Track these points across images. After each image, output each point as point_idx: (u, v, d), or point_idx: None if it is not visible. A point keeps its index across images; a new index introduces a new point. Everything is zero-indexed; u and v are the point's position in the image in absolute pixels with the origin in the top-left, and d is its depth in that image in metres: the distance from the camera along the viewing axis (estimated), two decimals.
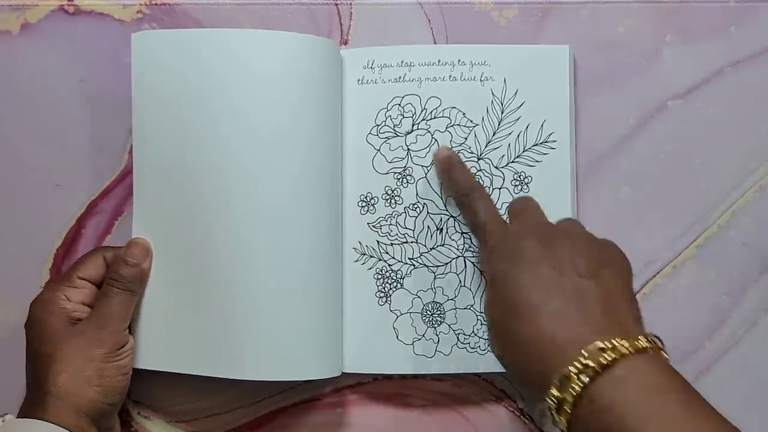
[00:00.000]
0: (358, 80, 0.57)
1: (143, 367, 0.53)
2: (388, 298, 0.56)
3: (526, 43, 0.58)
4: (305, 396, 0.58)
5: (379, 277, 0.56)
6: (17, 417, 0.49)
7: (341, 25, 0.59)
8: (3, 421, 0.49)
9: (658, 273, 0.58)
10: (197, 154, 0.53)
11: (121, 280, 0.52)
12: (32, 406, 0.49)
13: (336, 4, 0.59)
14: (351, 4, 0.59)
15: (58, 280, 0.53)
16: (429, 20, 0.59)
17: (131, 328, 0.53)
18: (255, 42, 0.53)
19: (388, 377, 0.58)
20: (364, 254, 0.56)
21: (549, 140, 0.56)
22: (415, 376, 0.58)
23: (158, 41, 0.54)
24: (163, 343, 0.53)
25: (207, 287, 0.53)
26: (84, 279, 0.53)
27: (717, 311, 0.58)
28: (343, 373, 0.55)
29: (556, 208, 0.55)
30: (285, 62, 0.53)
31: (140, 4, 0.59)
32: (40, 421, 0.47)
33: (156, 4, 0.59)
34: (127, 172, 0.58)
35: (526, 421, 0.58)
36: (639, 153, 0.59)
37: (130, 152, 0.58)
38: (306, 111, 0.53)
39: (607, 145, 0.59)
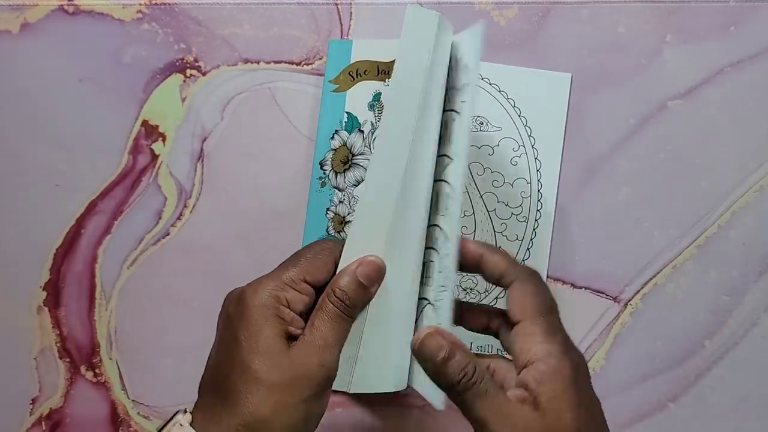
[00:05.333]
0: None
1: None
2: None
3: (526, 44, 0.58)
4: None
5: None
6: (192, 424, 0.42)
7: (341, 24, 0.59)
8: (181, 425, 0.41)
9: (658, 273, 0.58)
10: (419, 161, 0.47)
11: (347, 302, 0.43)
12: (214, 422, 0.41)
13: (336, 4, 0.59)
14: (351, 3, 0.59)
15: (280, 278, 0.44)
16: None
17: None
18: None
19: None
20: None
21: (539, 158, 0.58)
22: None
23: (432, 23, 0.47)
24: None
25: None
26: (310, 284, 0.44)
27: (717, 311, 0.58)
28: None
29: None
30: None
31: (140, 4, 0.59)
32: None
33: (156, 3, 0.59)
34: (127, 172, 0.58)
35: None
36: (639, 153, 0.59)
37: (130, 152, 0.58)
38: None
39: (607, 145, 0.59)
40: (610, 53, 0.59)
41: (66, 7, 0.59)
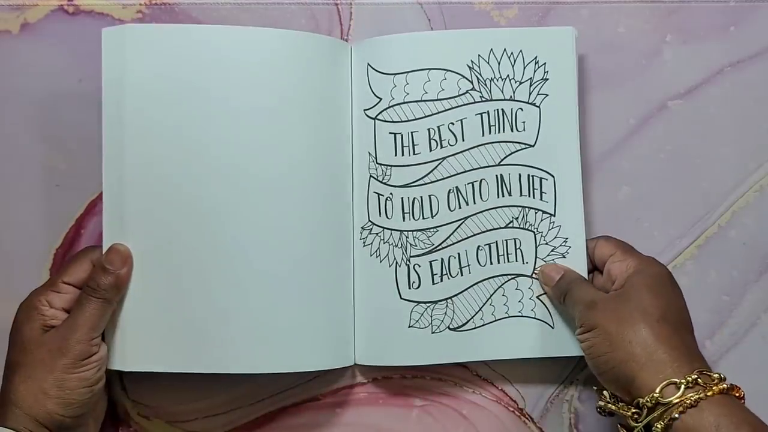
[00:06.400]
0: (368, 68, 0.56)
1: (143, 370, 0.52)
2: (403, 288, 0.55)
3: None
4: (305, 396, 0.58)
5: (394, 265, 0.55)
6: None
7: (341, 24, 0.59)
8: None
9: None
10: (184, 149, 0.52)
11: (97, 288, 0.51)
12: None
13: (336, 4, 0.59)
14: (351, 3, 0.59)
15: (44, 284, 0.53)
16: (429, 20, 0.59)
17: (130, 330, 0.52)
18: (245, 39, 0.53)
19: (388, 378, 0.58)
20: (374, 241, 0.56)
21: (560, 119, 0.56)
22: (414, 376, 0.58)
23: (138, 36, 0.53)
24: (159, 343, 0.52)
25: (205, 281, 0.52)
26: (69, 284, 0.52)
27: (717, 311, 0.58)
28: (355, 364, 0.56)
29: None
30: (284, 56, 0.53)
31: (140, 4, 0.59)
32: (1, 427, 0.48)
33: (156, 3, 0.59)
34: None
35: (526, 421, 0.58)
36: (639, 153, 0.59)
37: None
38: (303, 101, 0.53)
39: (607, 145, 0.59)
40: (610, 53, 0.59)
41: (66, 7, 0.59)
